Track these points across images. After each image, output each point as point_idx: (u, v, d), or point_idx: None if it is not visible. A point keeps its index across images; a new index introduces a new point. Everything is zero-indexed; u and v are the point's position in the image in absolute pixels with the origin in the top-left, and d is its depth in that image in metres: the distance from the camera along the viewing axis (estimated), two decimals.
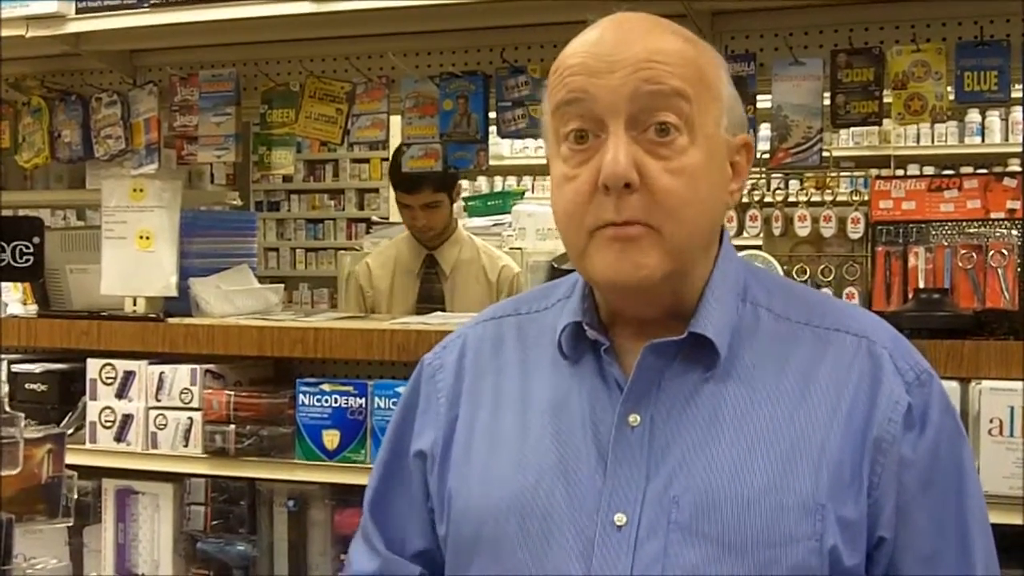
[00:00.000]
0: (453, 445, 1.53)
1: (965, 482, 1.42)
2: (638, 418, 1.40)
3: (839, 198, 3.05)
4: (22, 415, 1.75)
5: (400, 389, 2.70)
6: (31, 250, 1.62)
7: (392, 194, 9.06)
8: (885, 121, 2.92)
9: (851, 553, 1.35)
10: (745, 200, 3.05)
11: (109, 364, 3.01)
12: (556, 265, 4.57)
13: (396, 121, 3.41)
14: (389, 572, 1.59)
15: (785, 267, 2.86)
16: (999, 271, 2.65)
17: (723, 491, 1.35)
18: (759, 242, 3.09)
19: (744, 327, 1.44)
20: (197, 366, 2.94)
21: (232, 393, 2.89)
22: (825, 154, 2.94)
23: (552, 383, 1.49)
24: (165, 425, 2.93)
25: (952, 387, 2.25)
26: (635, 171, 1.34)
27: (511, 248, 4.70)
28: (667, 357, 1.42)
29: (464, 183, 9.39)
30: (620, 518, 1.37)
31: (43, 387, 3.10)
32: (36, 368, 3.13)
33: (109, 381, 3.00)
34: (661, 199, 1.35)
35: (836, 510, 1.34)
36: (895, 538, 1.38)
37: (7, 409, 1.78)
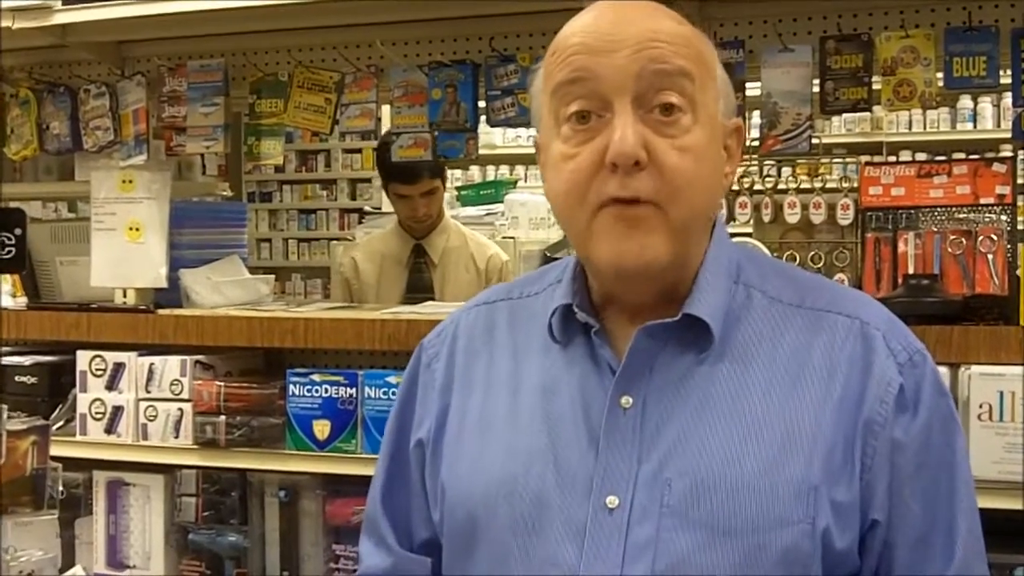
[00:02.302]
0: (446, 431, 1.53)
1: (956, 466, 1.42)
2: (630, 400, 1.40)
3: (828, 185, 3.04)
4: (5, 407, 1.75)
5: (391, 378, 2.72)
6: (13, 241, 1.61)
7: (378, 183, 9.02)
8: (876, 108, 2.92)
9: (843, 535, 1.36)
10: (735, 187, 3.04)
11: (99, 356, 3.00)
12: (549, 254, 4.58)
13: (386, 110, 3.41)
14: (401, 570, 1.60)
15: (775, 254, 2.86)
16: (988, 256, 2.65)
17: (716, 475, 1.35)
18: (749, 229, 3.08)
19: (737, 309, 1.45)
20: (187, 357, 2.93)
21: (222, 384, 2.88)
22: (815, 141, 2.94)
23: (542, 366, 1.49)
24: (155, 416, 2.93)
25: (941, 372, 2.23)
26: (643, 149, 1.34)
27: (504, 237, 4.70)
28: (660, 339, 1.42)
29: (457, 172, 9.42)
30: (612, 500, 1.37)
31: (33, 379, 3.09)
32: (26, 360, 3.12)
33: (99, 373, 2.99)
34: (669, 177, 1.35)
35: (829, 493, 1.35)
36: (888, 521, 1.38)
37: None
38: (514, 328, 1.56)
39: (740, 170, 3.08)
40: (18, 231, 1.65)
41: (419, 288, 4.20)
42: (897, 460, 1.38)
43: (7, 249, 1.64)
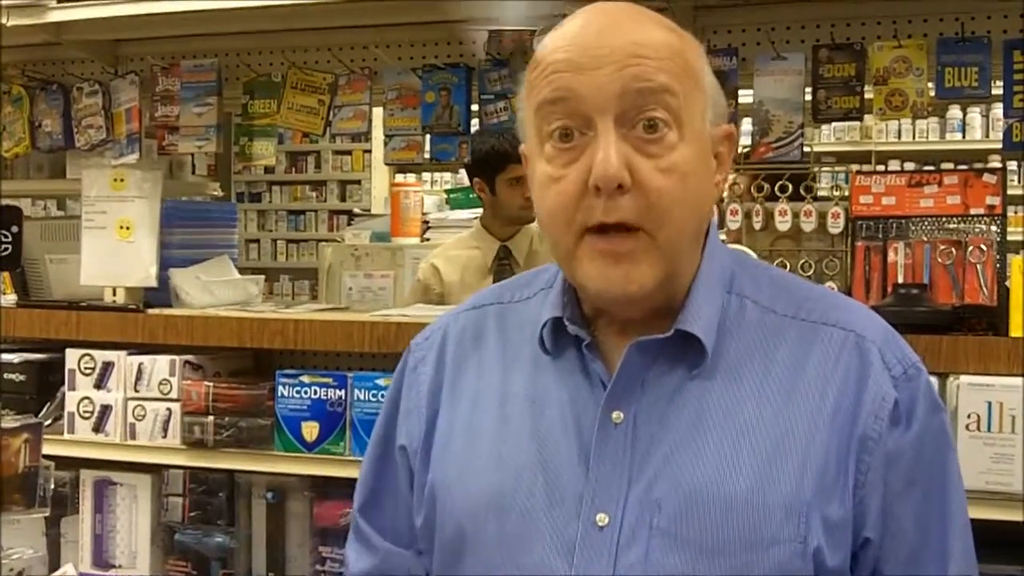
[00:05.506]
0: (434, 440, 1.51)
1: (948, 483, 1.41)
2: (621, 415, 1.37)
3: (819, 193, 3.05)
4: None
5: (380, 381, 2.72)
6: (9, 239, 1.61)
7: (373, 184, 8.99)
8: (867, 117, 2.93)
9: (835, 554, 1.33)
10: (725, 194, 3.05)
11: (88, 354, 2.99)
12: None
13: (379, 112, 3.41)
14: (389, 565, 1.57)
15: (765, 261, 2.87)
16: (978, 267, 2.66)
17: (706, 493, 1.33)
18: (740, 236, 3.09)
19: (729, 319, 1.41)
20: (176, 357, 2.92)
21: (211, 384, 2.87)
22: (806, 149, 2.95)
23: (532, 378, 1.46)
24: (144, 416, 2.92)
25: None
26: (627, 171, 1.30)
27: None
28: (652, 354, 1.39)
29: (447, 175, 9.43)
30: (602, 518, 1.34)
31: (22, 377, 3.08)
32: (15, 358, 3.11)
33: (88, 372, 2.98)
34: (654, 200, 1.31)
35: (821, 510, 1.32)
36: (880, 539, 1.36)
37: None
38: (503, 336, 1.52)
39: (731, 177, 3.09)
40: (14, 229, 1.64)
41: None
42: (889, 476, 1.36)
43: (3, 246, 1.64)
